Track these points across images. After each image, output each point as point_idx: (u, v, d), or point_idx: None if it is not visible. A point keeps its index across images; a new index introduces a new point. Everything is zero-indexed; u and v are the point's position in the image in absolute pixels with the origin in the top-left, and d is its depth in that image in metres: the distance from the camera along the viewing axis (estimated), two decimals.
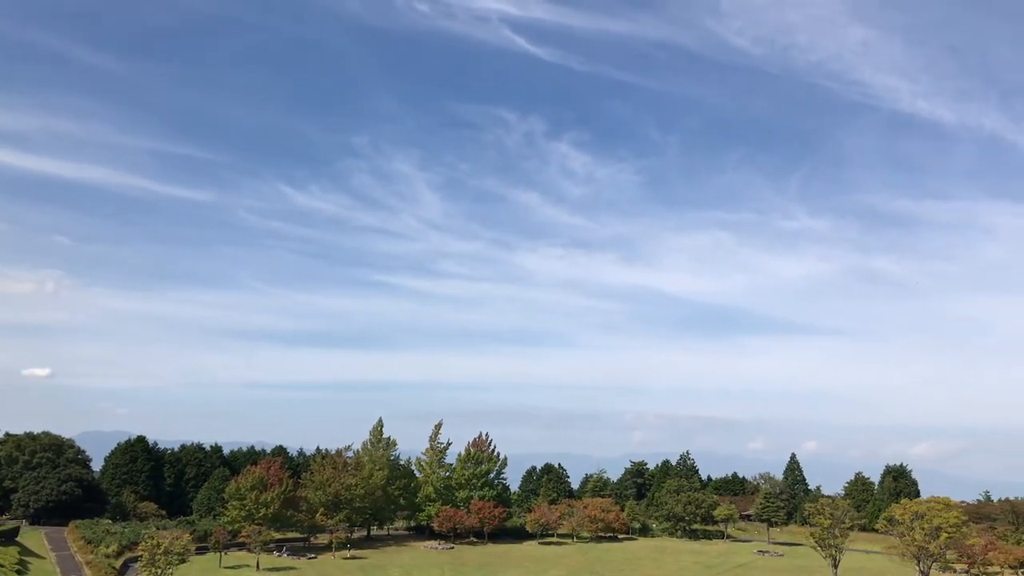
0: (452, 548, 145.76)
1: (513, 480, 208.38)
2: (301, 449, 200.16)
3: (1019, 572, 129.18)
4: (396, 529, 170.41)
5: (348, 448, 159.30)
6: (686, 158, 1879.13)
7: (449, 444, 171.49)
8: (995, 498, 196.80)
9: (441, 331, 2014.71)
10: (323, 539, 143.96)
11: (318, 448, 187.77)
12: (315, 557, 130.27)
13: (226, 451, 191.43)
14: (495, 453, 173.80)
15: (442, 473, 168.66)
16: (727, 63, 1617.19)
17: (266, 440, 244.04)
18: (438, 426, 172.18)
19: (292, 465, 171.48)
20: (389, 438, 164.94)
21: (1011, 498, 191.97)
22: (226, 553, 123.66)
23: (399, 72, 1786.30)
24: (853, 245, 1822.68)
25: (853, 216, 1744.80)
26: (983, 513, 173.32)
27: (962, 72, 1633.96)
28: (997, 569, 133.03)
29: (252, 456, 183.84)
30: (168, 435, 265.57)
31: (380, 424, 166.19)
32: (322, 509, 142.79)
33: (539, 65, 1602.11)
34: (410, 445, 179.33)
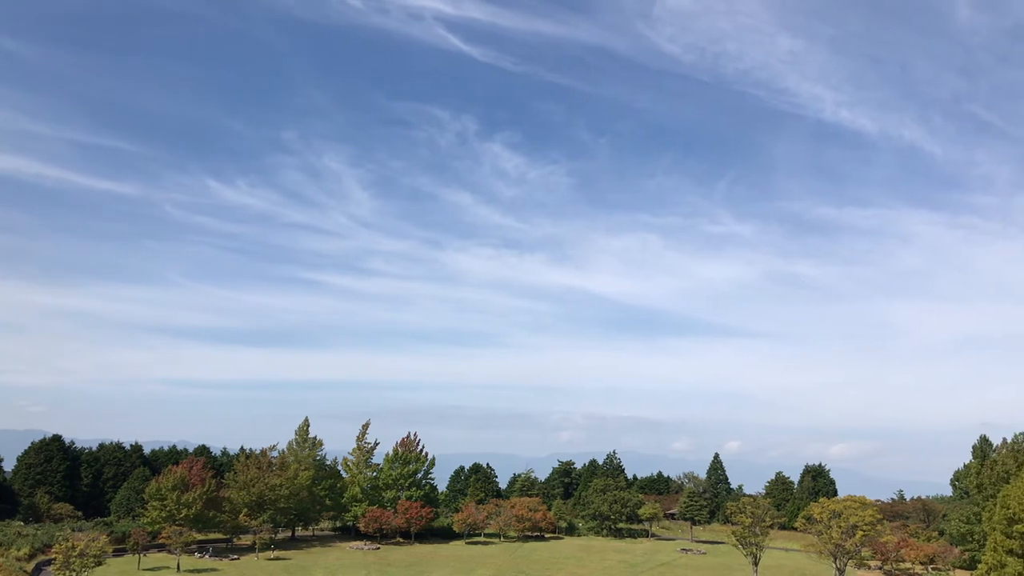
0: (378, 548, 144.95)
1: (441, 480, 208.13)
2: (225, 449, 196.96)
3: (929, 568, 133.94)
4: (321, 530, 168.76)
5: (273, 448, 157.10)
6: (617, 161, 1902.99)
7: (377, 444, 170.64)
8: (908, 497, 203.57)
9: (370, 330, 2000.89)
10: (246, 540, 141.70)
11: (242, 448, 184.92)
12: (238, 558, 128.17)
13: (147, 450, 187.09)
14: (423, 453, 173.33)
15: (369, 473, 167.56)
16: (658, 69, 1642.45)
17: (189, 439, 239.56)
18: (365, 426, 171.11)
19: (216, 465, 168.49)
20: (315, 438, 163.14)
21: (923, 497, 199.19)
22: (145, 555, 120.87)
23: (330, 67, 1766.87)
24: (776, 250, 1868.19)
25: (777, 221, 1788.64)
26: (896, 511, 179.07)
27: (884, 83, 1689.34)
28: (909, 565, 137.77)
29: (174, 456, 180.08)
30: (86, 434, 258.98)
31: (306, 424, 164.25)
32: (246, 510, 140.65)
33: (473, 65, 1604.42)
34: (337, 445, 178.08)
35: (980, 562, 77.73)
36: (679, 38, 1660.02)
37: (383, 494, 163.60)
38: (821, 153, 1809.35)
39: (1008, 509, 72.48)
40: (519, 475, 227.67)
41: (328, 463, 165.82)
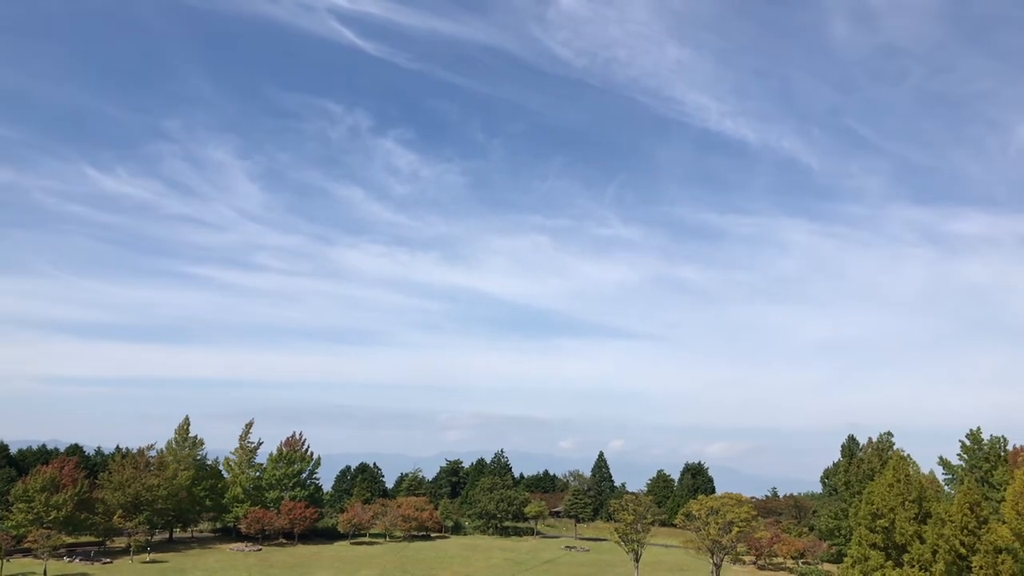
0: (260, 550, 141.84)
1: (327, 480, 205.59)
2: (99, 448, 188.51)
3: (799, 562, 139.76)
4: (201, 531, 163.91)
5: (151, 447, 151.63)
6: (510, 162, 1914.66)
7: (260, 443, 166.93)
8: (781, 494, 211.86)
9: (255, 327, 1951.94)
10: (121, 543, 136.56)
11: (118, 447, 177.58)
12: (111, 562, 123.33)
13: (13, 450, 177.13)
14: (308, 453, 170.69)
15: (252, 473, 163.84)
16: (551, 72, 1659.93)
17: (60, 438, 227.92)
18: (249, 425, 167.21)
19: (89, 465, 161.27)
20: (196, 437, 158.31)
21: (795, 494, 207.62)
22: (9, 560, 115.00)
23: (217, 55, 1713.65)
24: (661, 254, 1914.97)
25: (662, 226, 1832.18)
26: (770, 508, 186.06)
27: (766, 96, 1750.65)
28: (781, 560, 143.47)
29: (43, 455, 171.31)
30: None
31: (187, 422, 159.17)
32: (120, 511, 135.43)
33: (366, 59, 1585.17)
34: (219, 445, 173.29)
35: (846, 556, 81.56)
36: (572, 42, 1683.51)
37: (266, 494, 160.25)
38: (705, 161, 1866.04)
39: (872, 505, 76.37)
40: (406, 475, 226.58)
41: (209, 463, 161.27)
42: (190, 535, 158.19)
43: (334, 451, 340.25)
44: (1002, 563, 61.17)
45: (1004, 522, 73.09)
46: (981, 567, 61.44)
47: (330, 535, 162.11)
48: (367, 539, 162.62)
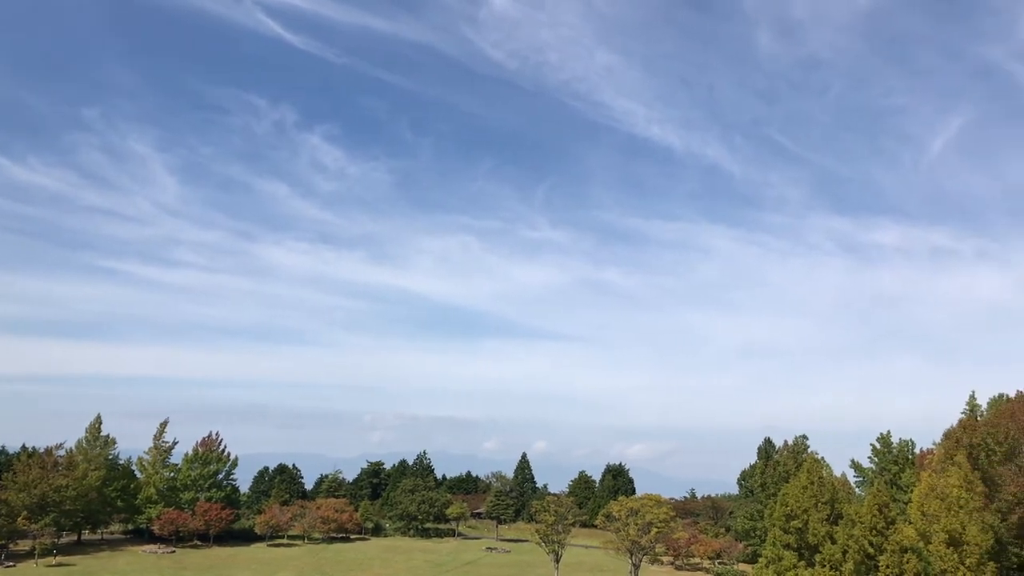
0: (173, 552, 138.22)
1: (244, 481, 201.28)
2: (3, 447, 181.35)
3: (716, 563, 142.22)
4: (111, 533, 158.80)
5: (60, 446, 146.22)
6: (439, 162, 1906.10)
7: (176, 443, 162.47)
8: (699, 495, 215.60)
9: (173, 324, 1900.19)
10: (25, 545, 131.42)
11: (24, 446, 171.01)
12: (13, 565, 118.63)
13: None
14: (225, 453, 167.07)
15: (167, 474, 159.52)
16: (482, 73, 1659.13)
17: None
18: (164, 424, 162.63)
19: None
20: (108, 436, 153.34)
21: (712, 495, 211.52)
22: None
23: (138, 44, 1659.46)
24: (588, 257, 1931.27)
25: (590, 230, 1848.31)
26: (688, 509, 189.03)
27: (691, 104, 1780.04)
28: (698, 560, 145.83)
29: None
30: None
31: (98, 421, 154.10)
32: (25, 512, 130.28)
33: (294, 53, 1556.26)
34: (133, 444, 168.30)
35: (761, 556, 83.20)
36: (503, 44, 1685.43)
37: (181, 495, 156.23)
38: (632, 166, 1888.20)
39: (786, 506, 78.09)
40: (326, 476, 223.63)
41: (122, 463, 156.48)
42: (100, 537, 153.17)
43: (253, 451, 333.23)
44: (907, 562, 63.11)
45: (910, 523, 75.51)
46: (888, 566, 63.29)
47: (247, 537, 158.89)
48: (285, 541, 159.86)
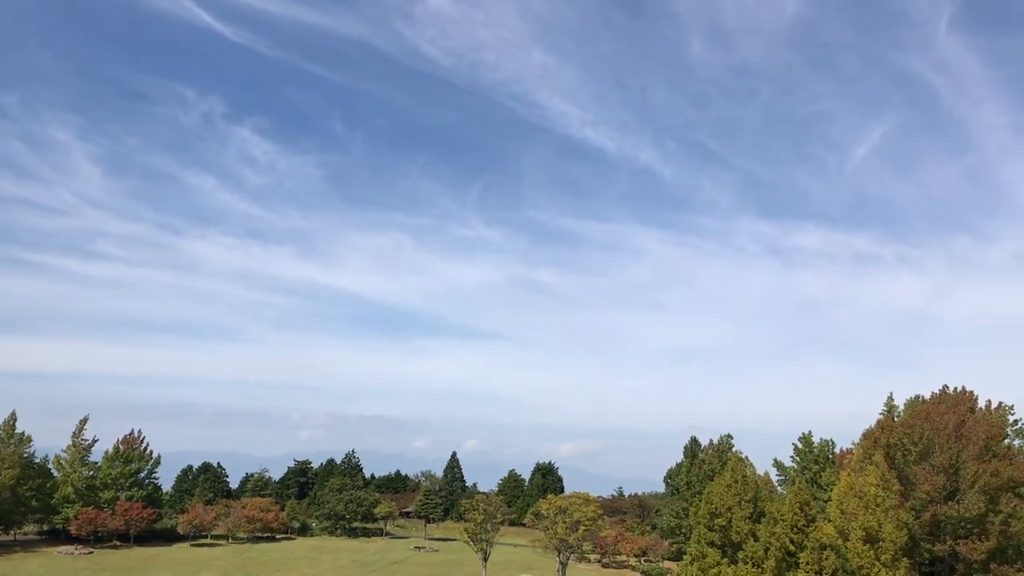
0: (91, 553, 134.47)
1: (167, 480, 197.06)
2: None
3: (642, 560, 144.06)
4: (25, 534, 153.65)
5: None
6: (371, 157, 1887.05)
7: (96, 441, 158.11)
8: (627, 493, 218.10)
9: (94, 318, 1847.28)
10: None
11: None
12: None
13: None
14: (148, 451, 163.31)
15: (85, 472, 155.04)
16: (417, 69, 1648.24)
17: None
18: (83, 421, 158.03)
19: None
20: (23, 434, 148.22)
21: (639, 493, 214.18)
22: None
23: (61, 29, 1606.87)
24: (522, 256, 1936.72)
25: (524, 229, 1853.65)
26: (616, 507, 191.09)
27: (625, 106, 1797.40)
28: (624, 558, 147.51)
29: None
30: None
31: (13, 418, 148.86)
32: None
33: (224, 44, 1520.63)
34: (51, 442, 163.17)
35: (686, 553, 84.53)
36: (439, 41, 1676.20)
37: (100, 494, 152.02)
38: (566, 167, 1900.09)
39: (711, 504, 79.46)
40: (252, 475, 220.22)
41: (37, 461, 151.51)
42: (13, 538, 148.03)
43: (176, 450, 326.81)
44: (826, 559, 64.81)
45: (829, 520, 77.53)
46: (808, 563, 64.89)
47: (169, 537, 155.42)
48: (208, 541, 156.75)
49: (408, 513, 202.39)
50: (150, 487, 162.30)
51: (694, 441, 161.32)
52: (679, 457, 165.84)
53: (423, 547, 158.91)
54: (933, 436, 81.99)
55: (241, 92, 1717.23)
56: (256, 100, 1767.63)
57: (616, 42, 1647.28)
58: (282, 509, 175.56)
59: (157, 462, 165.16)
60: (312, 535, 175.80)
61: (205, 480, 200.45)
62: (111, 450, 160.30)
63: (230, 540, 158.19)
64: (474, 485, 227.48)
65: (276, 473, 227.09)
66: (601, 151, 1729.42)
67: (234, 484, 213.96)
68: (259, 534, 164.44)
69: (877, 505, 71.43)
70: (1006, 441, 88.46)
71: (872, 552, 69.11)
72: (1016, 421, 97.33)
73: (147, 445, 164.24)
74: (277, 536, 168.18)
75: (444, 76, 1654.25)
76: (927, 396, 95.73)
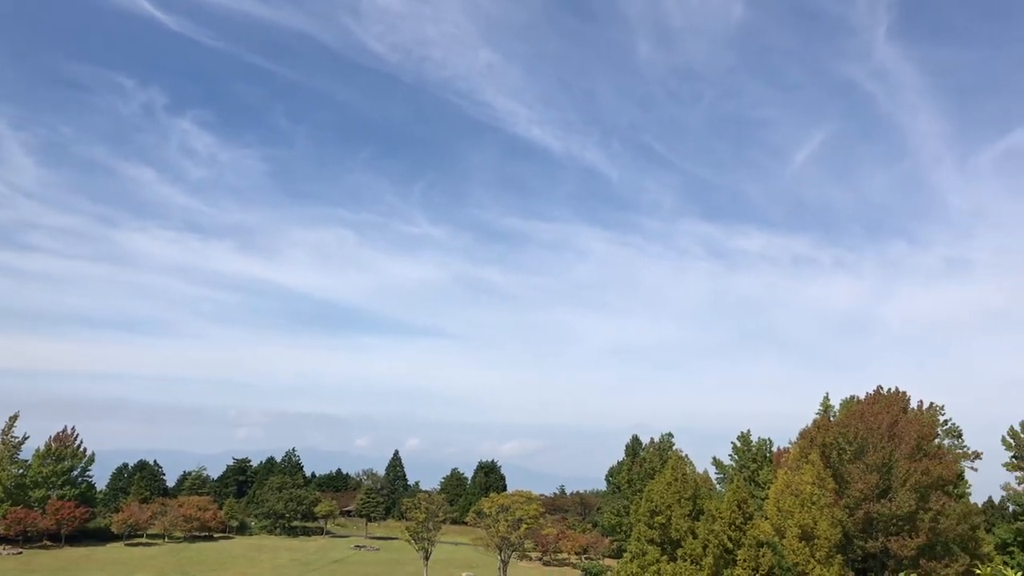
0: (20, 553, 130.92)
1: (102, 478, 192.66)
2: None
3: (582, 558, 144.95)
4: None
5: None
6: (315, 152, 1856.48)
7: (26, 438, 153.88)
8: (569, 491, 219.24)
9: (27, 312, 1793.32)
10: None
11: None
12: None
13: None
14: (81, 448, 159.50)
15: (15, 470, 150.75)
16: (363, 65, 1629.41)
17: None
18: (13, 418, 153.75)
19: None
20: None
21: (581, 491, 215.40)
22: None
23: None
24: (466, 254, 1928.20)
25: (469, 227, 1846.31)
26: (558, 505, 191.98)
27: (571, 106, 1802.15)
28: (565, 556, 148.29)
29: None
30: None
31: None
32: None
33: (165, 33, 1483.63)
34: None
35: (626, 551, 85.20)
36: (385, 37, 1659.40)
37: (30, 493, 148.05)
38: (512, 166, 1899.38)
39: (651, 502, 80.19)
40: (190, 472, 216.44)
41: None
42: None
43: (111, 447, 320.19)
44: (763, 556, 65.87)
45: (766, 518, 78.89)
46: (745, 560, 65.87)
47: (102, 536, 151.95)
48: (144, 540, 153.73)
49: (349, 512, 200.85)
50: (83, 486, 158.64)
51: (636, 439, 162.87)
52: (621, 455, 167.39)
53: (364, 546, 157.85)
54: (867, 436, 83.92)
55: (183, 83, 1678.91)
56: (198, 92, 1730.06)
57: (563, 42, 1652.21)
58: (220, 508, 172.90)
59: (91, 460, 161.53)
60: (251, 534, 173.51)
61: (141, 478, 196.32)
62: (42, 448, 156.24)
63: (166, 539, 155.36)
64: (416, 484, 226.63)
65: (215, 471, 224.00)
66: (547, 151, 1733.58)
67: (171, 482, 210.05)
68: (196, 533, 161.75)
69: (813, 503, 72.92)
70: (936, 441, 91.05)
71: (807, 549, 70.51)
72: (946, 421, 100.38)
73: (80, 443, 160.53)
74: (215, 535, 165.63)
75: (390, 72, 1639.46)
76: (862, 396, 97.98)
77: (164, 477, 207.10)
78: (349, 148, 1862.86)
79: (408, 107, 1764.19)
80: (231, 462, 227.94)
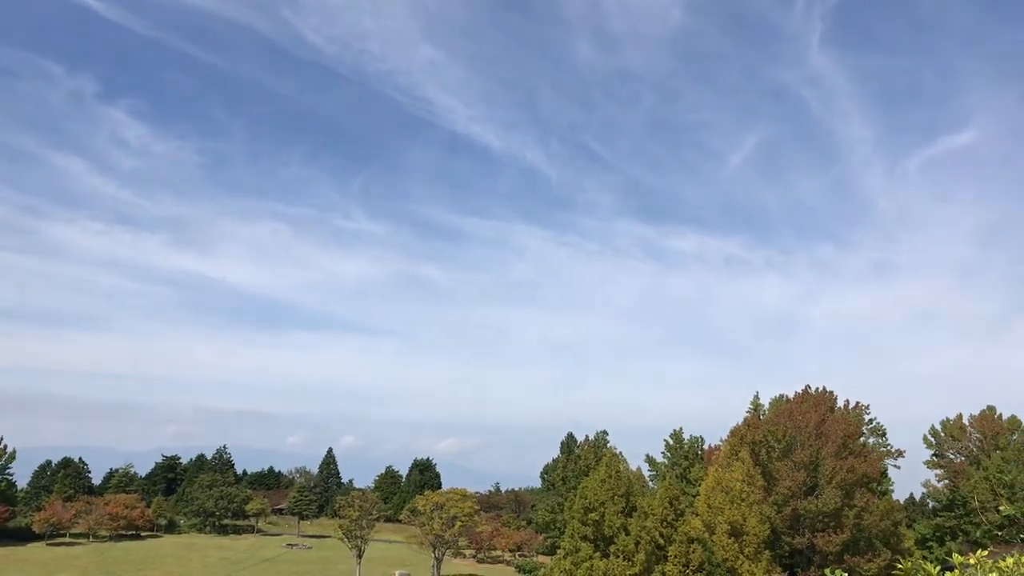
0: None
1: (23, 476, 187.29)
2: None
3: (516, 555, 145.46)
4: None
5: None
6: (251, 144, 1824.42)
7: None
8: (504, 489, 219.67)
9: None
10: None
11: None
12: None
13: None
14: (1, 445, 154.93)
15: None
16: (301, 57, 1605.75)
17: None
18: None
19: None
20: None
21: (516, 489, 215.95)
22: None
23: None
24: (405, 251, 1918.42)
25: (408, 223, 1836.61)
26: (493, 503, 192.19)
27: (512, 105, 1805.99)
28: (500, 553, 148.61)
29: None
30: None
31: None
32: None
33: (96, 20, 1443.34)
34: None
35: (559, 548, 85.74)
36: (323, 29, 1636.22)
37: None
38: (452, 163, 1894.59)
39: (585, 499, 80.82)
40: (117, 470, 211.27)
41: None
42: None
43: (34, 444, 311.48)
44: (693, 552, 66.91)
45: (697, 514, 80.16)
46: (676, 556, 66.83)
47: (23, 536, 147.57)
48: (67, 539, 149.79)
49: (281, 510, 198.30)
50: (3, 483, 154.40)
51: (571, 437, 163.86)
52: (556, 453, 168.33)
53: (296, 544, 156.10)
54: (795, 434, 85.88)
55: (115, 72, 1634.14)
56: (131, 81, 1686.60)
57: (505, 41, 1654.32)
58: (148, 506, 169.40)
59: (12, 457, 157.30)
60: (180, 533, 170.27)
61: (65, 476, 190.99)
62: None
63: (91, 539, 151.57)
64: (350, 481, 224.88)
65: (143, 469, 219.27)
66: (487, 149, 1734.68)
67: (97, 480, 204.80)
68: (123, 532, 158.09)
69: (742, 500, 74.34)
70: (861, 439, 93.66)
71: (737, 545, 71.86)
72: (871, 420, 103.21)
73: (1, 439, 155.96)
74: (142, 534, 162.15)
75: (328, 65, 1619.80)
76: (791, 395, 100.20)
77: (90, 475, 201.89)
78: (286, 141, 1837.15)
79: (347, 100, 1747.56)
80: (160, 459, 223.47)
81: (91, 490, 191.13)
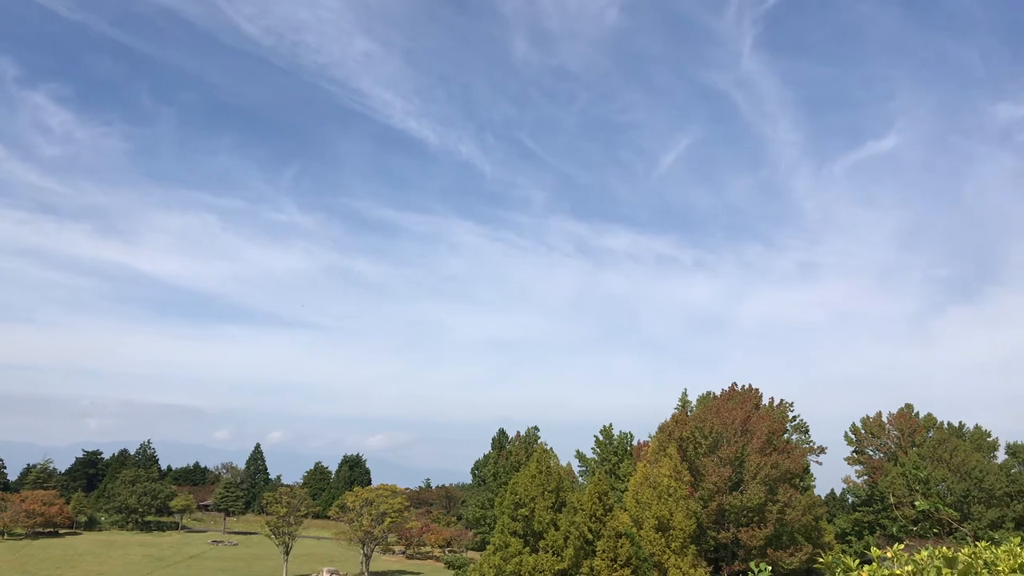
0: None
1: None
2: None
3: (446, 551, 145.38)
4: None
5: None
6: (180, 133, 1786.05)
7: None
8: (434, 485, 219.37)
9: None
10: None
11: None
12: None
13: None
14: None
15: None
16: (233, 46, 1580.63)
17: None
18: None
19: None
20: None
21: (446, 485, 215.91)
22: None
23: None
24: (336, 244, 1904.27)
25: (340, 217, 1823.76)
26: (423, 499, 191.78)
27: (448, 100, 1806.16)
28: (429, 549, 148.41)
29: None
30: None
31: None
32: None
33: (18, 3, 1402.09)
34: None
35: (490, 543, 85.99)
36: (259, 19, 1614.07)
37: None
38: (386, 157, 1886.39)
39: (516, 495, 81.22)
40: (34, 465, 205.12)
41: None
42: None
43: None
44: (621, 546, 67.79)
45: (625, 510, 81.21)
46: (604, 550, 67.63)
47: None
48: None
49: (207, 506, 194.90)
50: None
51: (502, 433, 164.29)
52: (487, 449, 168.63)
53: (222, 541, 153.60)
54: (722, 430, 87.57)
55: (37, 56, 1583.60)
56: (54, 65, 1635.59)
57: (442, 36, 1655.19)
58: (67, 502, 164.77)
59: None
60: (101, 529, 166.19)
61: None
62: None
63: (6, 536, 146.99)
64: (278, 477, 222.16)
65: (63, 464, 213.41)
66: (423, 143, 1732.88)
67: (13, 476, 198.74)
68: (40, 530, 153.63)
69: (669, 495, 75.55)
70: (785, 436, 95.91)
71: (663, 540, 73.01)
72: (795, 417, 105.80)
73: None
74: (61, 531, 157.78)
75: (262, 55, 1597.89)
76: (718, 392, 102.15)
77: (5, 470, 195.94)
78: (215, 130, 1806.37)
79: (279, 91, 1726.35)
80: (81, 454, 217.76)
81: (7, 486, 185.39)
